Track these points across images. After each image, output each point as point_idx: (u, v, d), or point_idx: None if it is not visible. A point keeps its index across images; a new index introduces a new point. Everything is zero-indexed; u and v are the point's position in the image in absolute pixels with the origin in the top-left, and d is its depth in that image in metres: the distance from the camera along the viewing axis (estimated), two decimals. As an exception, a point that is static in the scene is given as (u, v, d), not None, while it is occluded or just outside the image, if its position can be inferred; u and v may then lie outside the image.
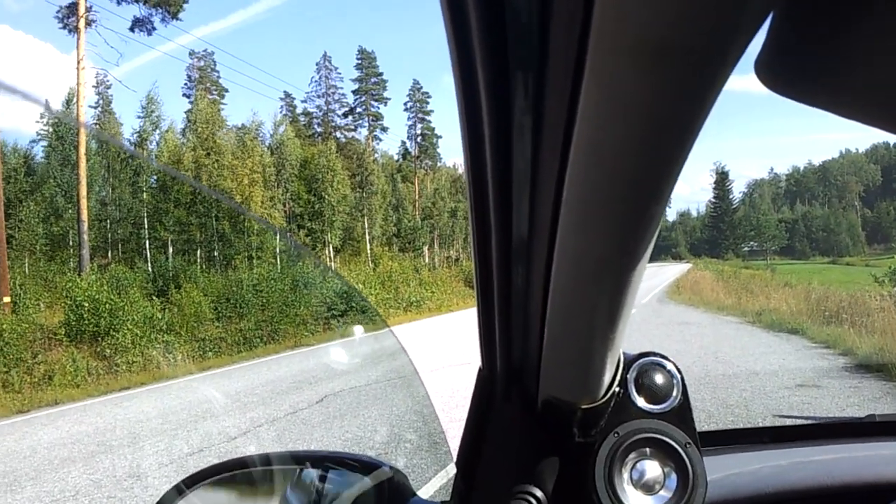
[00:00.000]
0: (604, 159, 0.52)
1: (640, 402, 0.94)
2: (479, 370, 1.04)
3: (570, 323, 0.78)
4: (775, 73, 0.41)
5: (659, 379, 0.95)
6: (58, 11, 29.71)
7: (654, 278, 44.61)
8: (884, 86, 0.38)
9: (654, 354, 0.97)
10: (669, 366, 0.97)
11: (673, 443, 0.92)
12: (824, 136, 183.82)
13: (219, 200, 33.42)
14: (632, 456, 0.93)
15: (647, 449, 0.93)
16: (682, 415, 0.94)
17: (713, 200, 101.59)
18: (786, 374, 9.83)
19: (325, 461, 1.26)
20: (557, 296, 0.74)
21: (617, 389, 0.94)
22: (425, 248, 51.58)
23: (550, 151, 0.56)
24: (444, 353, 13.43)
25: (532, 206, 0.66)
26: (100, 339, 17.11)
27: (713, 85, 0.42)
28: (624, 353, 0.96)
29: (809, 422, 1.97)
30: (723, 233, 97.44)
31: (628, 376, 0.95)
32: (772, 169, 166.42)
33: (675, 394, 0.95)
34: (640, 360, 0.96)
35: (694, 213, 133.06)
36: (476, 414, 1.06)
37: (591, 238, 0.63)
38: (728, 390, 8.68)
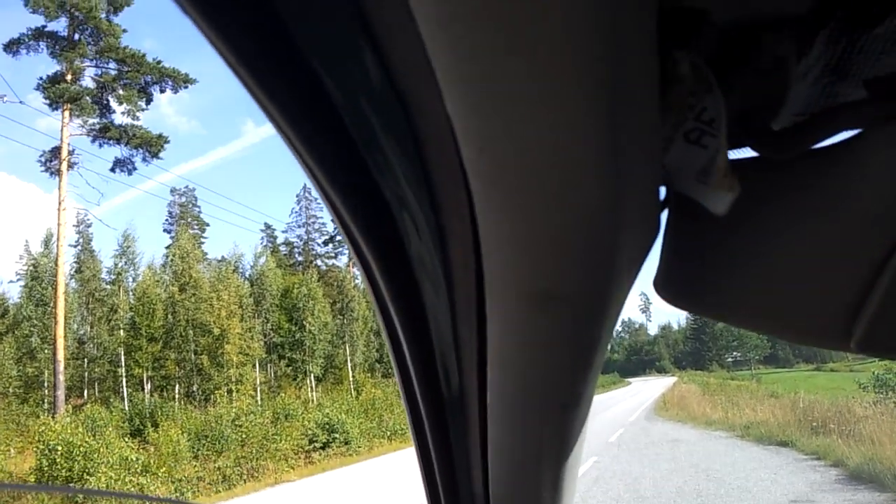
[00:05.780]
0: (516, 378, 0.56)
1: None
2: None
3: (514, 463, 0.80)
4: (673, 293, 0.47)
5: None
6: (40, 155, 30.03)
7: (639, 394, 44.09)
8: (777, 299, 0.43)
9: None
10: None
11: None
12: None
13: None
14: None
15: None
16: None
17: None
18: (778, 490, 9.62)
19: None
20: (497, 436, 0.76)
21: None
22: (408, 374, 50.83)
23: (470, 375, 0.62)
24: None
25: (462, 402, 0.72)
26: (73, 483, 16.41)
27: (604, 323, 0.45)
28: None
29: None
30: (705, 344, 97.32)
31: None
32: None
33: None
34: None
35: (675, 326, 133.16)
36: None
37: (518, 430, 0.68)
38: (722, 510, 8.47)
